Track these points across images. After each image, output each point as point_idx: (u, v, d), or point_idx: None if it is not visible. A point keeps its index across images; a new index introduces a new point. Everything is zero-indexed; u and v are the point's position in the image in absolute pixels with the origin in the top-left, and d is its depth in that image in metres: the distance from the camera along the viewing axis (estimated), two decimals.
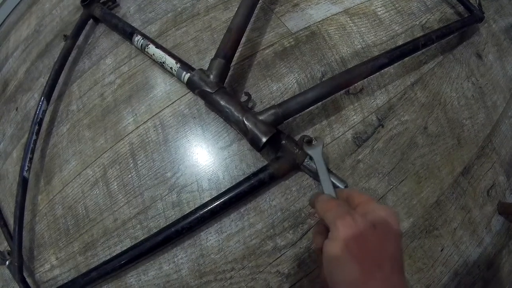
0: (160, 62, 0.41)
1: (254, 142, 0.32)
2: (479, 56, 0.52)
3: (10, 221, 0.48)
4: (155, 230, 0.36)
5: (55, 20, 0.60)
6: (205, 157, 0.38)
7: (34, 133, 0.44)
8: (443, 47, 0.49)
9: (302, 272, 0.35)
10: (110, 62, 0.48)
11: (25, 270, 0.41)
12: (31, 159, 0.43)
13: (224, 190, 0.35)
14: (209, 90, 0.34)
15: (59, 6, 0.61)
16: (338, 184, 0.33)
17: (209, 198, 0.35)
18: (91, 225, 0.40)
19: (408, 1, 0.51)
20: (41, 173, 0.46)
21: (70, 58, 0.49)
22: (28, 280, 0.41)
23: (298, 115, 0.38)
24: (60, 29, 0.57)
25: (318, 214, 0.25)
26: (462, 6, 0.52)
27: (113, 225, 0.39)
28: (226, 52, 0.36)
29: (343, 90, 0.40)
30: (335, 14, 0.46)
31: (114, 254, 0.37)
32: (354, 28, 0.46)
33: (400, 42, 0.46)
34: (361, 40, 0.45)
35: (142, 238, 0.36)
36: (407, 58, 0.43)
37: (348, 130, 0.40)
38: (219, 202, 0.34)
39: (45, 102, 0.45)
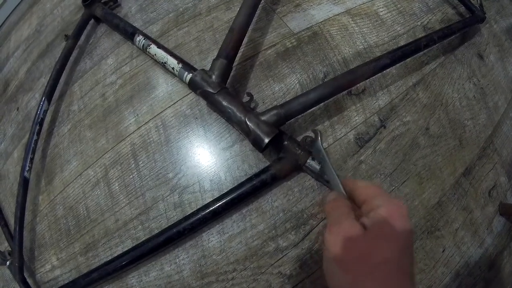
0: (162, 62, 0.41)
1: (256, 143, 0.32)
2: (481, 56, 0.52)
3: (11, 221, 0.48)
4: (156, 231, 0.36)
5: (56, 20, 0.59)
6: (207, 157, 0.38)
7: (35, 133, 0.43)
8: (445, 48, 0.49)
9: (304, 273, 0.35)
10: (111, 62, 0.48)
11: (25, 271, 0.41)
12: (32, 159, 0.43)
13: (226, 191, 0.35)
14: (211, 90, 0.34)
15: (60, 6, 0.61)
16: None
17: (211, 199, 0.35)
18: (92, 225, 0.40)
19: (410, 1, 0.51)
20: (42, 173, 0.46)
21: (71, 58, 0.49)
22: (29, 281, 0.41)
23: (300, 115, 0.38)
24: (61, 29, 0.57)
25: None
26: (463, 7, 0.52)
27: (114, 225, 0.39)
28: (228, 53, 0.36)
29: (345, 91, 0.40)
30: (337, 15, 0.46)
31: (115, 255, 0.37)
32: (356, 28, 0.46)
33: (402, 43, 0.46)
34: (363, 41, 0.45)
35: (144, 239, 0.36)
36: (409, 59, 0.43)
37: (350, 131, 0.40)
38: (221, 203, 0.34)
39: (46, 102, 0.45)
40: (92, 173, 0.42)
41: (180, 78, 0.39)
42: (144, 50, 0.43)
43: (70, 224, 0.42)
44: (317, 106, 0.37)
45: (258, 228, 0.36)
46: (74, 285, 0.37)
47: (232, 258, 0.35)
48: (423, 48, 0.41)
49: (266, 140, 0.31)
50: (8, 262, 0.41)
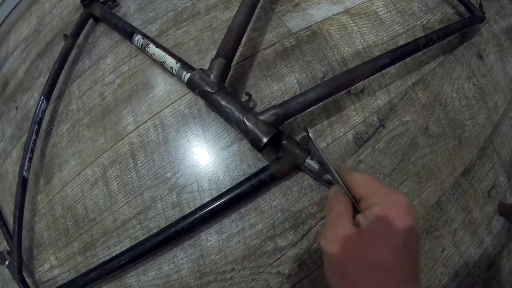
0: (161, 62, 0.41)
1: (255, 142, 0.32)
2: (480, 56, 0.52)
3: (10, 220, 0.48)
4: (155, 231, 0.36)
5: (55, 20, 0.59)
6: (205, 157, 0.38)
7: (34, 133, 0.43)
8: (444, 48, 0.49)
9: (302, 272, 0.35)
10: (110, 62, 0.48)
11: (24, 270, 0.41)
12: (30, 158, 0.43)
13: (224, 190, 0.35)
14: (209, 90, 0.34)
15: (59, 5, 0.61)
16: None
17: (210, 199, 0.35)
18: (91, 225, 0.40)
19: (409, 1, 0.51)
20: (41, 173, 0.46)
21: (70, 58, 0.49)
22: (28, 280, 0.41)
23: (299, 115, 0.38)
24: (60, 29, 0.57)
25: None
26: (463, 7, 0.52)
27: (112, 225, 0.39)
28: (227, 52, 0.36)
29: (344, 90, 0.40)
30: (336, 14, 0.46)
31: (114, 254, 0.37)
32: (355, 28, 0.45)
33: (401, 43, 0.46)
34: (362, 40, 0.45)
35: (142, 238, 0.36)
36: (408, 59, 0.43)
37: (349, 130, 0.40)
38: (219, 202, 0.34)
39: (45, 101, 0.45)
40: (91, 172, 0.42)
41: (179, 78, 0.39)
42: (142, 49, 0.43)
43: (68, 223, 0.42)
44: (316, 106, 0.37)
45: (257, 228, 0.36)
46: (72, 284, 0.37)
47: (230, 258, 0.35)
48: (423, 48, 0.41)
49: (265, 140, 0.31)
50: (7, 262, 0.41)
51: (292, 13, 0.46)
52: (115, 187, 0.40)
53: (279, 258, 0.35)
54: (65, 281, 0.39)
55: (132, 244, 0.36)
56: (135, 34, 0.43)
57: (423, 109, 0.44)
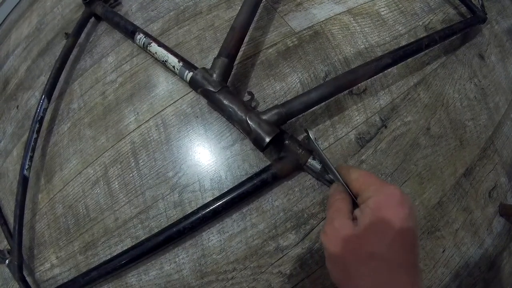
0: (162, 61, 0.41)
1: (257, 142, 0.32)
2: (482, 57, 0.52)
3: (10, 219, 0.48)
4: (156, 230, 0.36)
5: (57, 18, 0.59)
6: (207, 156, 0.38)
7: (35, 132, 0.43)
8: (446, 48, 0.49)
9: (304, 272, 0.35)
10: (111, 61, 0.47)
11: (25, 269, 0.41)
12: (31, 157, 0.43)
13: (226, 190, 0.35)
14: (212, 89, 0.34)
15: (61, 4, 0.60)
16: None
17: (211, 198, 0.35)
18: (92, 224, 0.40)
19: (411, 1, 0.51)
20: (42, 172, 0.46)
21: (72, 56, 0.49)
22: (28, 279, 0.40)
23: (301, 115, 0.37)
24: (61, 27, 0.57)
25: None
26: (465, 7, 0.52)
27: (114, 224, 0.39)
28: (229, 51, 0.36)
29: (346, 90, 0.40)
30: (339, 14, 0.46)
31: (115, 253, 0.37)
32: (358, 28, 0.45)
33: (403, 43, 0.46)
34: (364, 40, 0.45)
35: (143, 237, 0.36)
36: (410, 59, 0.43)
37: (351, 130, 0.40)
38: (221, 202, 0.34)
39: (46, 100, 0.45)
40: (92, 171, 0.42)
41: (181, 77, 0.39)
42: (144, 48, 0.43)
43: (69, 222, 0.41)
44: (318, 106, 0.37)
45: (259, 228, 0.36)
46: (73, 283, 0.37)
47: (232, 258, 0.35)
48: (425, 48, 0.41)
49: (267, 139, 0.31)
50: (7, 261, 0.41)
51: (294, 13, 0.46)
52: (117, 186, 0.40)
53: (280, 258, 0.35)
54: (65, 280, 0.39)
55: (133, 243, 0.36)
56: (137, 33, 0.43)
57: (425, 110, 0.44)
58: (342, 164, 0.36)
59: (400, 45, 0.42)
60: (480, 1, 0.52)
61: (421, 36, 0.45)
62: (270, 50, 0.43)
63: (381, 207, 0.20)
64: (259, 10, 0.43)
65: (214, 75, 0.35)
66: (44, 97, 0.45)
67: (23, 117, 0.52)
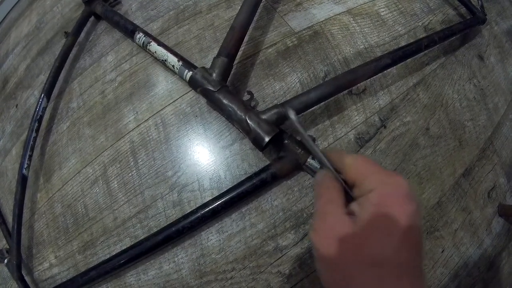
0: (162, 60, 0.41)
1: (256, 142, 0.32)
2: (481, 58, 0.52)
3: (9, 218, 0.48)
4: (155, 229, 0.36)
5: (56, 17, 0.59)
6: (206, 156, 0.38)
7: (34, 130, 0.43)
8: (445, 49, 0.49)
9: (303, 272, 0.35)
10: (111, 60, 0.47)
11: (23, 268, 0.41)
12: (30, 156, 0.42)
13: (225, 189, 0.35)
14: (211, 88, 0.34)
15: (60, 3, 0.60)
16: None
17: (211, 198, 0.35)
18: (91, 223, 0.40)
19: (411, 2, 0.51)
20: (41, 171, 0.46)
21: (71, 55, 0.49)
22: (27, 279, 0.40)
23: (301, 114, 0.37)
24: (61, 26, 0.57)
25: None
26: (464, 8, 0.52)
27: (113, 224, 0.39)
28: (229, 51, 0.36)
29: (346, 90, 0.40)
30: (338, 14, 0.46)
31: (114, 253, 0.37)
32: (357, 28, 0.46)
33: (402, 43, 0.46)
34: (364, 41, 0.45)
35: (142, 237, 0.36)
36: (409, 59, 0.43)
37: (351, 130, 0.40)
38: (220, 201, 0.34)
39: (45, 99, 0.45)
40: (91, 170, 0.42)
41: (180, 76, 0.39)
42: (144, 47, 0.43)
43: (68, 222, 0.41)
44: (318, 105, 0.37)
45: (258, 227, 0.36)
46: (72, 283, 0.37)
47: (231, 257, 0.35)
48: (424, 49, 0.41)
49: (267, 139, 0.31)
50: (5, 260, 0.41)
51: (294, 13, 0.46)
52: (116, 185, 0.40)
53: (280, 257, 0.35)
54: (64, 279, 0.39)
55: (132, 243, 0.36)
56: (137, 32, 0.43)
57: (424, 110, 0.44)
58: (333, 148, 0.32)
59: (400, 46, 0.42)
60: (479, 2, 0.52)
61: (421, 36, 0.46)
62: (270, 49, 0.43)
63: (386, 202, 0.17)
64: (258, 10, 0.43)
65: (214, 75, 0.35)
66: (43, 96, 0.44)
67: (22, 116, 0.52)
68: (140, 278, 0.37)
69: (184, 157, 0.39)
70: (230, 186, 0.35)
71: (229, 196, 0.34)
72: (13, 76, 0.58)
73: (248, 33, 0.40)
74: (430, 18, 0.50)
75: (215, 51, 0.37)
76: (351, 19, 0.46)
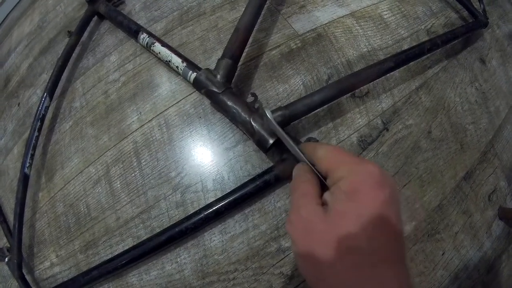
0: (166, 61, 0.41)
1: (261, 144, 0.32)
2: (483, 61, 0.52)
3: (10, 217, 0.47)
4: (158, 230, 0.36)
5: (59, 16, 0.59)
6: (210, 157, 0.38)
7: (36, 130, 0.43)
8: (448, 52, 0.49)
9: None
10: (114, 60, 0.47)
11: (24, 267, 0.41)
12: (32, 155, 0.42)
13: (229, 191, 0.35)
14: (216, 90, 0.34)
15: (63, 2, 0.60)
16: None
17: (214, 199, 0.35)
18: (93, 223, 0.40)
19: (414, 5, 0.51)
20: (43, 170, 0.46)
21: (74, 55, 0.49)
22: (27, 277, 0.40)
23: (304, 117, 0.38)
24: (63, 25, 0.57)
25: None
26: (466, 11, 0.53)
27: (115, 224, 0.39)
28: (233, 52, 0.36)
29: (349, 93, 0.40)
30: (342, 17, 0.46)
31: (116, 253, 0.37)
32: (360, 31, 0.46)
33: (405, 46, 0.46)
34: (367, 43, 0.45)
35: (145, 237, 0.36)
36: (412, 62, 0.43)
37: (354, 133, 0.40)
38: (223, 203, 0.34)
39: (48, 98, 0.45)
40: (94, 170, 0.42)
41: (184, 77, 0.39)
42: (148, 48, 0.43)
43: (70, 221, 0.41)
44: (321, 108, 0.37)
45: (261, 229, 0.36)
46: (73, 282, 0.37)
47: (233, 258, 0.35)
48: (427, 52, 0.42)
49: (271, 141, 0.31)
50: (6, 259, 0.41)
51: (298, 15, 0.46)
52: (118, 185, 0.40)
53: (282, 259, 0.35)
54: (65, 279, 0.39)
55: (135, 243, 0.36)
56: (141, 33, 0.43)
57: (426, 113, 0.44)
58: (308, 142, 0.31)
59: (403, 49, 0.42)
60: (482, 6, 0.52)
61: (423, 40, 0.46)
62: (274, 52, 0.43)
63: (356, 189, 0.17)
64: (262, 12, 0.43)
65: (218, 76, 0.35)
66: (46, 95, 0.44)
67: (24, 115, 0.52)
68: (142, 278, 0.37)
69: (188, 158, 0.39)
70: (234, 188, 0.35)
71: (232, 198, 0.34)
72: (16, 74, 0.58)
73: (252, 35, 0.40)
74: (433, 22, 0.50)
75: (219, 53, 0.37)
76: (355, 22, 0.46)
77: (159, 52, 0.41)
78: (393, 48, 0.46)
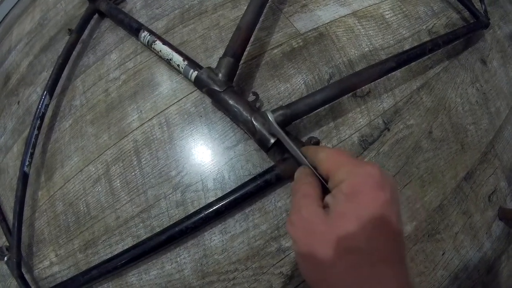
0: (167, 59, 0.41)
1: (262, 143, 0.32)
2: (484, 62, 0.52)
3: (9, 216, 0.47)
4: (158, 229, 0.36)
5: (60, 14, 0.59)
6: (210, 156, 0.38)
7: (36, 128, 0.43)
8: (449, 52, 0.49)
9: None
10: (115, 58, 0.47)
11: (23, 266, 0.40)
12: (32, 154, 0.42)
13: (229, 190, 0.35)
14: (217, 88, 0.34)
15: (64, 0, 0.60)
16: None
17: (214, 198, 0.35)
18: (92, 222, 0.40)
19: (415, 5, 0.51)
20: (42, 169, 0.45)
21: (74, 53, 0.49)
22: (27, 277, 0.40)
23: (306, 116, 0.38)
24: (64, 23, 0.56)
25: None
26: (468, 12, 0.53)
27: (115, 223, 0.39)
28: (235, 51, 0.36)
29: (350, 93, 0.40)
30: (344, 16, 0.46)
31: (116, 252, 0.37)
32: (362, 30, 0.46)
33: (407, 46, 0.46)
34: (368, 43, 0.45)
35: (145, 237, 0.36)
36: (413, 63, 0.43)
37: (355, 132, 0.40)
38: (224, 202, 0.34)
39: (48, 96, 0.44)
40: (93, 169, 0.42)
41: (185, 76, 0.39)
42: (149, 46, 0.43)
43: (69, 220, 0.41)
44: (322, 107, 0.37)
45: (261, 228, 0.36)
46: (72, 282, 0.37)
47: (234, 258, 0.35)
48: (428, 52, 0.42)
49: (272, 140, 0.31)
50: (5, 258, 0.40)
51: (299, 14, 0.46)
52: (118, 184, 0.40)
53: (282, 259, 0.35)
54: (64, 278, 0.39)
55: (135, 242, 0.36)
56: (142, 31, 0.43)
57: (427, 113, 0.44)
58: (309, 146, 0.32)
59: (404, 49, 0.42)
60: (483, 6, 0.52)
61: (425, 40, 0.46)
62: (275, 50, 0.43)
63: (356, 191, 0.17)
64: (264, 11, 0.43)
65: (220, 75, 0.35)
66: (46, 93, 0.44)
67: (24, 113, 0.52)
68: (141, 278, 0.37)
69: (188, 157, 0.39)
70: (234, 187, 0.35)
71: (233, 197, 0.34)
72: (16, 72, 0.58)
73: (254, 33, 0.40)
74: (434, 22, 0.50)
75: (220, 51, 0.37)
76: (356, 21, 0.46)
77: (160, 50, 0.41)
78: (394, 48, 0.46)
